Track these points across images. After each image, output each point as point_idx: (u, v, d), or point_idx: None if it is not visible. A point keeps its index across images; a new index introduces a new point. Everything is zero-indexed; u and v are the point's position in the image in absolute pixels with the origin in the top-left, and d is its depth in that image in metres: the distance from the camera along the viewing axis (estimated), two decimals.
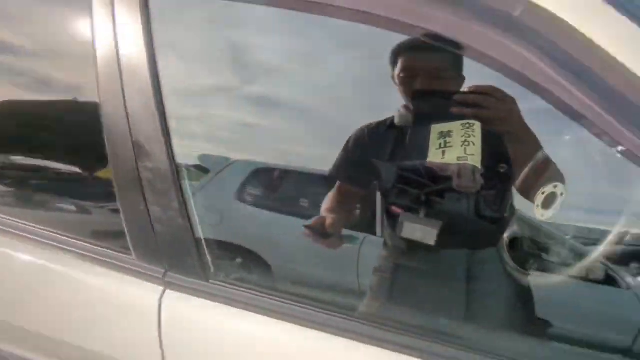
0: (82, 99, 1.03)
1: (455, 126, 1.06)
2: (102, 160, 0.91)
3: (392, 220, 1.19)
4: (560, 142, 0.94)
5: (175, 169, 0.88)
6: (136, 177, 0.88)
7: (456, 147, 1.12)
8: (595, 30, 0.55)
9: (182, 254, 0.91)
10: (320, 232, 1.15)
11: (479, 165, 1.07)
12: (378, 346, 0.80)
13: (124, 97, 0.84)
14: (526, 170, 0.99)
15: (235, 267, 1.19)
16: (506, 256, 1.03)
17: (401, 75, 1.10)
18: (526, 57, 0.60)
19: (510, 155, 0.99)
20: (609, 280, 1.05)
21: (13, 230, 1.03)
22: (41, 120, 1.20)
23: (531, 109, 0.91)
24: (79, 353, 0.95)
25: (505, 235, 1.06)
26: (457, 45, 0.66)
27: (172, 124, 0.88)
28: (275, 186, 1.62)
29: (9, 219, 1.06)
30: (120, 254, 0.93)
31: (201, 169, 1.64)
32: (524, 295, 1.13)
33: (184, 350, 0.89)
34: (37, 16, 1.12)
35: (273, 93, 1.31)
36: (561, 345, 1.13)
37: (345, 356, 0.82)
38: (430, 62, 1.05)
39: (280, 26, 0.97)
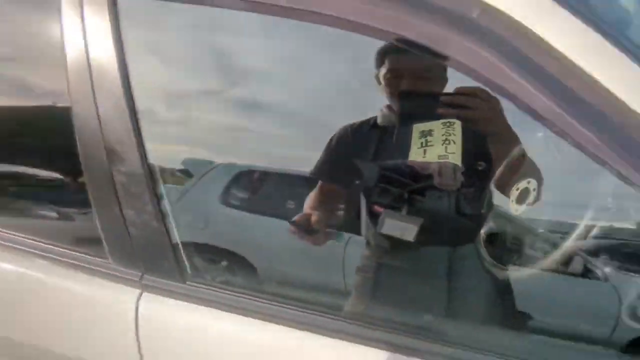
0: (53, 102, 1.03)
1: (436, 125, 1.08)
2: (76, 165, 0.90)
3: (375, 219, 1.20)
4: (532, 139, 0.96)
5: (149, 172, 0.88)
6: (110, 181, 0.87)
7: (437, 146, 1.13)
8: (548, 31, 0.57)
9: (158, 256, 0.91)
10: (306, 229, 1.16)
11: (459, 163, 1.08)
12: (362, 344, 0.81)
13: (94, 100, 0.84)
14: (502, 167, 1.01)
15: (213, 268, 1.19)
16: (483, 251, 1.04)
17: (387, 75, 1.11)
18: (488, 59, 0.61)
19: (492, 153, 1.00)
20: (587, 273, 1.06)
21: None
22: (14, 125, 1.20)
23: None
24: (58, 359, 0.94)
25: (482, 231, 1.07)
26: (418, 47, 0.66)
27: (146, 127, 0.88)
28: (257, 188, 1.62)
29: None
30: (97, 258, 0.93)
31: (185, 173, 1.65)
32: (504, 290, 1.14)
33: (162, 352, 0.89)
34: (3, 17, 1.11)
35: (256, 96, 1.31)
36: (541, 337, 1.15)
37: (328, 354, 0.82)
38: (416, 63, 1.06)
39: (254, 28, 0.98)
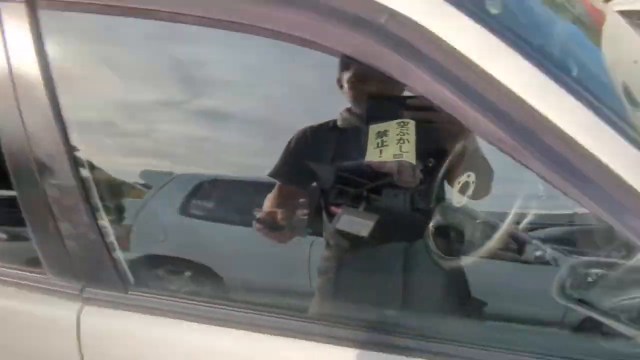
0: None
1: (391, 125, 1.10)
2: (6, 180, 0.89)
3: (332, 220, 1.20)
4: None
5: (82, 183, 0.87)
6: (42, 195, 0.86)
7: (392, 145, 1.15)
8: (451, 34, 0.61)
9: (98, 268, 0.90)
10: (272, 226, 1.16)
11: (413, 161, 1.11)
12: (310, 340, 0.82)
13: (20, 114, 0.83)
14: (446, 163, 1.07)
15: (157, 276, 1.18)
16: (431, 245, 1.05)
17: (352, 79, 1.13)
18: (399, 62, 0.64)
19: (450, 152, 1.04)
20: (539, 259, 1.07)
21: None
22: None
23: None
24: None
25: (430, 225, 1.08)
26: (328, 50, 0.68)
27: (75, 139, 0.87)
28: (210, 196, 1.62)
29: None
30: (34, 274, 0.92)
31: (144, 186, 1.64)
32: (457, 280, 1.15)
33: None
34: None
35: (209, 105, 1.31)
36: (497, 323, 1.16)
37: (280, 355, 0.83)
38: None
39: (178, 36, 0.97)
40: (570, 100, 0.60)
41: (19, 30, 0.82)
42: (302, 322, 0.85)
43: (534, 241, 0.98)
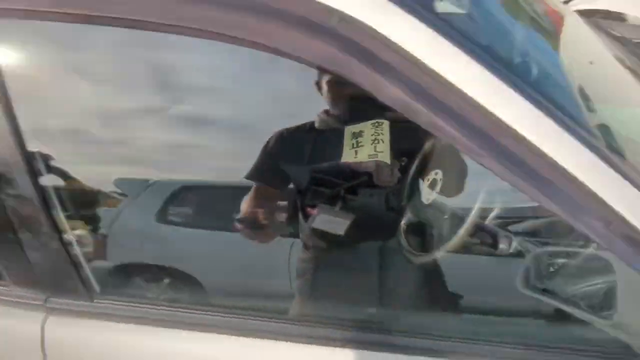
0: None
1: (366, 126, 1.12)
2: None
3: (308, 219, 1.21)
4: None
5: (41, 193, 0.86)
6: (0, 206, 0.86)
7: (367, 146, 1.17)
8: (401, 36, 0.62)
9: (62, 278, 0.89)
10: (253, 226, 1.16)
11: (388, 160, 1.12)
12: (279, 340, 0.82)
13: None
14: (417, 161, 1.10)
15: (126, 283, 1.17)
16: (403, 242, 1.06)
17: (331, 81, 1.14)
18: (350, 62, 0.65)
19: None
20: (514, 251, 1.08)
21: None
22: None
23: None
24: None
25: (402, 222, 1.09)
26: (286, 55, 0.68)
27: (33, 147, 0.87)
28: (188, 202, 1.62)
29: None
30: None
31: (118, 194, 1.63)
32: (433, 275, 1.15)
33: None
34: None
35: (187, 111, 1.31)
36: (474, 315, 1.16)
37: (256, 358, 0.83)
38: None
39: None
40: (519, 101, 0.62)
41: None
42: (279, 324, 0.85)
43: (502, 234, 0.98)
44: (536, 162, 0.61)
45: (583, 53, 1.11)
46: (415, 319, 1.05)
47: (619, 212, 0.58)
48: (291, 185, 1.24)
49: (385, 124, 1.09)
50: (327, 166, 1.18)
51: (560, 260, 0.81)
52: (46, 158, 0.92)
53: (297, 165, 1.22)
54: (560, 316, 0.80)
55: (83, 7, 0.73)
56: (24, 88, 0.89)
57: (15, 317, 0.88)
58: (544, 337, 0.78)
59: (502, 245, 0.97)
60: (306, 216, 1.20)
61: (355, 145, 1.19)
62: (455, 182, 1.08)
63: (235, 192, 1.39)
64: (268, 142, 1.22)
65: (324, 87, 1.17)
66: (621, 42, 1.40)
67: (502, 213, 0.94)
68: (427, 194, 1.06)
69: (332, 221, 1.12)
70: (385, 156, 1.17)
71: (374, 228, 1.15)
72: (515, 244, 0.97)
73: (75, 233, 0.92)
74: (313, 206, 1.18)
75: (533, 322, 1.03)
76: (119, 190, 1.58)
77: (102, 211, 1.51)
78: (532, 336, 0.78)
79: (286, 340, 0.82)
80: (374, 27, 0.62)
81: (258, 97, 1.22)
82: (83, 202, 1.29)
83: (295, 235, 1.26)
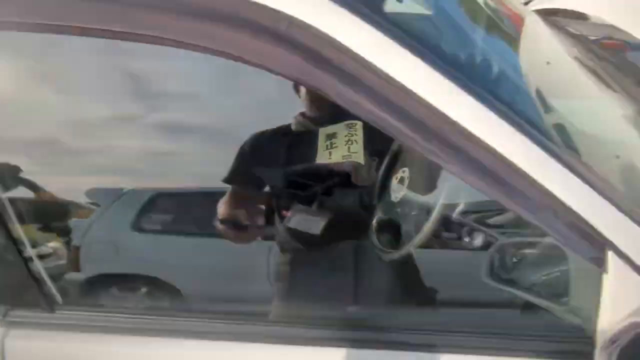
0: None
1: (339, 127, 1.13)
2: None
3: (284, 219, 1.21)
4: None
5: None
6: None
7: (341, 147, 1.18)
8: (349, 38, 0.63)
9: (21, 290, 0.87)
10: (236, 226, 1.16)
11: (362, 161, 1.13)
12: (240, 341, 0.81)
13: None
14: (386, 160, 1.13)
15: (98, 294, 1.16)
16: (374, 240, 1.08)
17: None
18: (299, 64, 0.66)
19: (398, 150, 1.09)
20: (471, 243, 1.11)
21: None
22: None
23: None
24: None
25: (374, 221, 1.10)
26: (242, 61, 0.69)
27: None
28: (164, 209, 1.61)
29: None
30: None
31: (93, 204, 1.60)
32: (408, 271, 1.18)
33: None
34: None
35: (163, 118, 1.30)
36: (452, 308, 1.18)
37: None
38: None
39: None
40: (468, 101, 0.64)
41: None
42: (257, 327, 0.85)
43: (467, 227, 1.02)
44: (489, 160, 0.63)
45: (541, 53, 1.16)
46: (392, 314, 1.06)
47: (566, 203, 0.62)
48: (267, 188, 1.25)
49: (359, 124, 1.11)
50: (302, 168, 1.20)
51: (524, 251, 0.85)
52: (13, 170, 0.90)
53: (273, 168, 1.23)
54: (528, 305, 0.84)
55: (48, 17, 0.72)
56: None
57: None
58: (511, 325, 0.81)
59: (467, 239, 1.01)
60: (282, 218, 1.21)
61: (329, 147, 1.21)
62: (428, 179, 1.11)
63: (211, 197, 1.39)
64: (244, 145, 1.23)
65: (302, 90, 1.19)
66: (579, 39, 1.45)
67: (469, 207, 0.97)
68: (396, 192, 1.08)
69: (308, 220, 1.13)
70: (359, 157, 1.19)
71: (349, 228, 1.17)
72: (480, 236, 1.00)
73: (47, 245, 0.90)
74: (288, 208, 1.19)
75: (503, 312, 1.07)
76: (91, 201, 1.55)
77: (74, 222, 1.49)
78: (501, 325, 0.80)
79: (266, 343, 0.81)
80: (321, 29, 0.63)
81: (235, 102, 1.22)
82: (54, 214, 1.26)
83: (272, 238, 1.27)
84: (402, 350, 0.76)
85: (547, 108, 0.85)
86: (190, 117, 1.30)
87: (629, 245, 0.62)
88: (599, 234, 0.62)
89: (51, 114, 1.14)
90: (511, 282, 0.80)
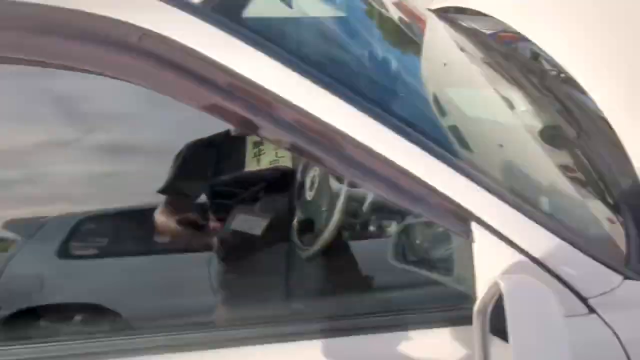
0: None
1: None
2: None
3: (214, 235, 1.23)
4: None
5: None
6: None
7: (269, 153, 1.22)
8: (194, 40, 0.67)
9: None
10: (194, 225, 1.17)
11: (290, 165, 1.16)
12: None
13: None
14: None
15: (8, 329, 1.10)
16: (295, 239, 1.13)
17: None
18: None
19: None
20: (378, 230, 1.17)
21: None
22: None
23: None
24: None
25: (294, 221, 1.15)
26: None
27: None
28: (93, 232, 1.56)
29: None
30: None
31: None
32: (345, 262, 1.23)
33: None
34: None
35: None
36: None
37: None
38: None
39: None
40: (340, 103, 0.69)
41: None
42: (200, 334, 0.85)
43: (372, 217, 1.09)
44: (365, 159, 0.70)
45: (439, 56, 1.27)
46: (328, 305, 1.09)
47: (445, 194, 0.71)
48: (203, 196, 1.26)
49: None
50: (229, 177, 1.22)
51: (423, 233, 0.93)
52: None
53: (206, 176, 1.24)
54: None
55: None
56: None
57: None
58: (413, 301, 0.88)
59: (372, 227, 1.09)
60: (214, 230, 1.24)
61: (257, 154, 1.24)
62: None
63: (140, 215, 1.38)
64: (179, 155, 1.24)
65: None
66: (471, 33, 1.59)
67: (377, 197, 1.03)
68: (309, 191, 1.14)
69: (250, 221, 1.16)
70: (286, 160, 1.23)
71: (281, 230, 1.22)
72: (384, 223, 1.07)
73: None
74: (220, 219, 1.21)
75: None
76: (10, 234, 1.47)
77: None
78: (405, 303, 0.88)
79: (214, 348, 0.82)
80: (174, 37, 0.66)
81: (172, 116, 1.22)
82: None
83: (210, 249, 1.28)
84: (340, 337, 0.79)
85: (443, 112, 0.95)
86: (127, 136, 1.27)
87: (489, 214, 0.71)
88: (463, 209, 0.71)
89: None
90: (415, 263, 0.89)
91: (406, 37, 1.21)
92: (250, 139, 1.25)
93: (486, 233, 0.71)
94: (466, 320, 0.71)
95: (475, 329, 0.68)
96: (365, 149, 0.69)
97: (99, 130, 1.27)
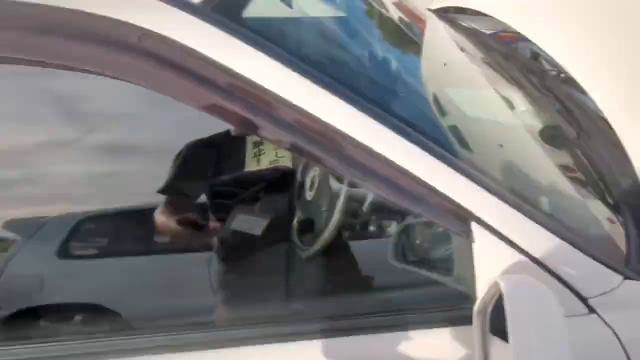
0: None
1: None
2: None
3: (214, 236, 1.23)
4: None
5: None
6: None
7: (269, 153, 1.22)
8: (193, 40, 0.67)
9: None
10: (195, 225, 1.18)
11: (290, 165, 1.16)
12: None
13: None
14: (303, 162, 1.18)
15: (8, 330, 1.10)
16: (295, 239, 1.13)
17: None
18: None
19: None
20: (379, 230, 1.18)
21: None
22: None
23: None
24: None
25: (294, 221, 1.15)
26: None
27: None
28: (92, 232, 1.56)
29: None
30: None
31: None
32: (345, 262, 1.24)
33: None
34: None
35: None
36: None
37: None
38: None
39: None
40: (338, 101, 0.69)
41: None
42: (202, 334, 0.85)
43: (371, 217, 1.09)
44: (378, 165, 0.70)
45: (439, 56, 1.27)
46: (328, 305, 1.10)
47: (445, 194, 0.71)
48: (203, 196, 1.26)
49: None
50: (229, 177, 1.22)
51: (424, 233, 0.93)
52: None
53: (206, 176, 1.24)
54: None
55: None
56: None
57: None
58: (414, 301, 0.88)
59: (372, 227, 1.09)
60: (214, 230, 1.24)
61: (257, 154, 1.24)
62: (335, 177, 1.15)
63: (140, 215, 1.38)
64: (179, 155, 1.23)
65: None
66: (471, 33, 1.60)
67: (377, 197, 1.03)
68: (309, 191, 1.14)
69: (249, 221, 1.16)
70: (286, 160, 1.23)
71: (279, 230, 1.22)
72: (384, 223, 1.07)
73: None
74: (220, 219, 1.21)
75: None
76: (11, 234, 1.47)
77: None
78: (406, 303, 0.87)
79: (214, 348, 0.81)
80: (174, 37, 0.66)
81: (172, 116, 1.22)
82: None
83: (210, 249, 1.28)
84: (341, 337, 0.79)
85: (443, 112, 0.95)
86: (127, 136, 1.28)
87: (489, 214, 0.71)
88: (463, 209, 0.71)
89: None
90: (415, 263, 0.89)
91: (406, 37, 1.21)
92: (250, 139, 1.25)
93: (486, 233, 0.71)
94: (466, 320, 0.71)
95: (475, 329, 0.68)
96: (365, 149, 0.69)
97: (99, 130, 1.27)
